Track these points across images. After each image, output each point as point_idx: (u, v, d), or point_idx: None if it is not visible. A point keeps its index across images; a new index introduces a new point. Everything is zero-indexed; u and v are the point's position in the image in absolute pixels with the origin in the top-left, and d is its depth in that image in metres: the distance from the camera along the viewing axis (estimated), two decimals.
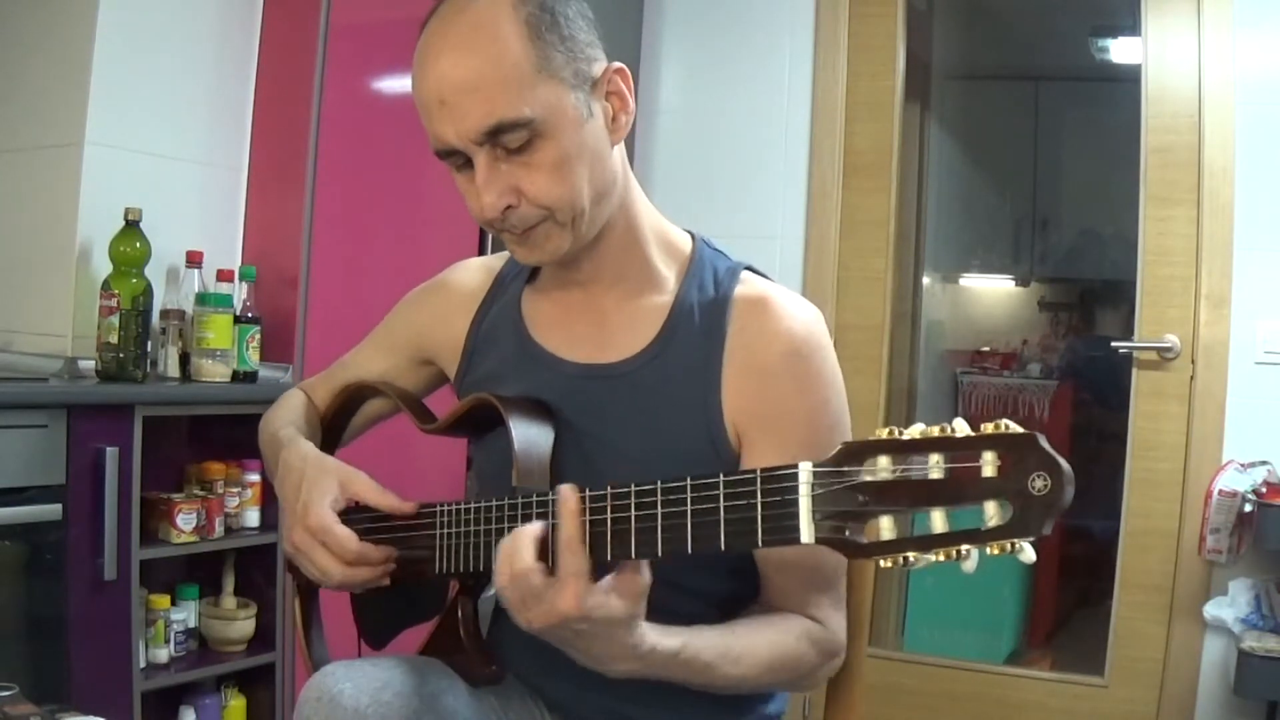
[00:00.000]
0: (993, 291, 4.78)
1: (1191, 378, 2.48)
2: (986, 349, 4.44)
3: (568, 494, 0.90)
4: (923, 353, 3.72)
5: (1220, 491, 2.32)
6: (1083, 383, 4.12)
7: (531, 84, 0.98)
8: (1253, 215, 2.43)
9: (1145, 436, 2.54)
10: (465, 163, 1.02)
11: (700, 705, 1.12)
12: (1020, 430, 0.70)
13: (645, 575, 0.89)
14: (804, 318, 1.09)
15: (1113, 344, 2.60)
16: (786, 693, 1.22)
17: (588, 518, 0.91)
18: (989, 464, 0.70)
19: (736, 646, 1.00)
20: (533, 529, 0.91)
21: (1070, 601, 3.79)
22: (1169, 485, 2.49)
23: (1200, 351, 2.47)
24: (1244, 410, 2.42)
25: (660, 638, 0.93)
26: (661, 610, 0.94)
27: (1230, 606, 2.29)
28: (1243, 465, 2.36)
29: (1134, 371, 2.56)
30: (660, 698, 1.11)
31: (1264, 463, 2.34)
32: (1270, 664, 2.14)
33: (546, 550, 0.91)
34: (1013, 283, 4.72)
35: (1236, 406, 2.43)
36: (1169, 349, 2.50)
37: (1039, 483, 0.69)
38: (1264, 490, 2.25)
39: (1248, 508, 2.27)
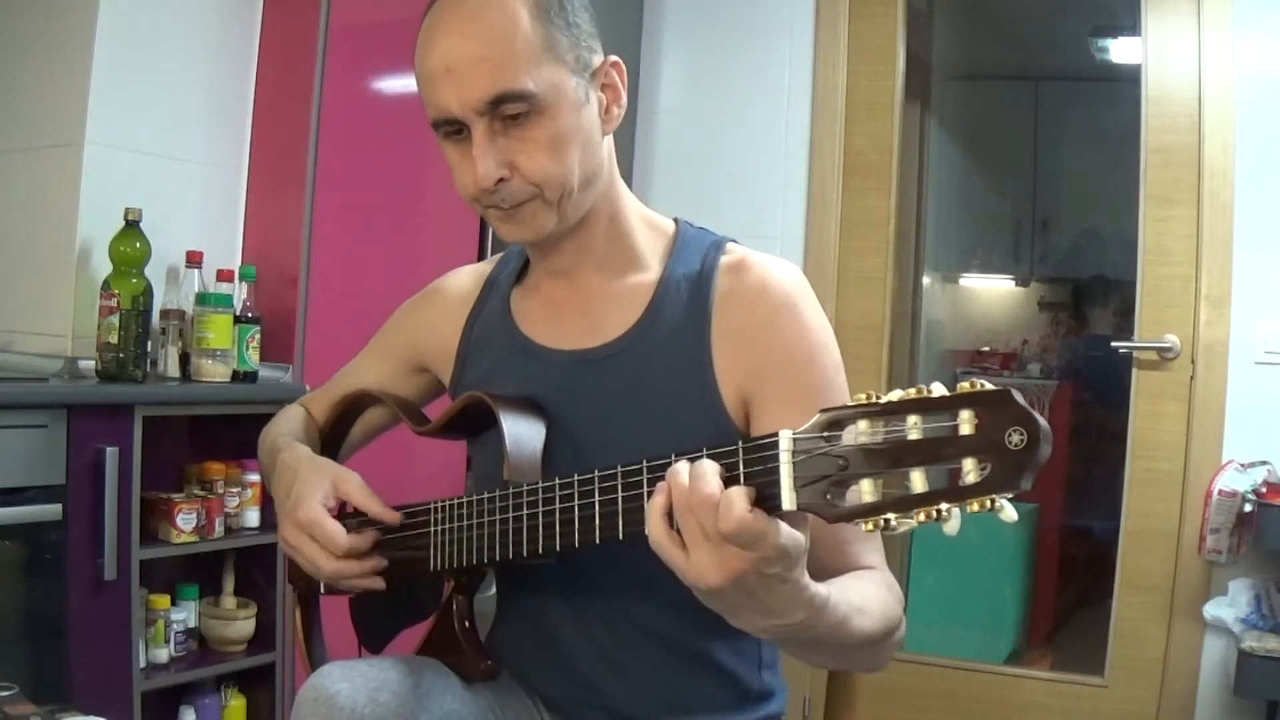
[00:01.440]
0: (993, 291, 4.78)
1: (1191, 378, 2.48)
2: (986, 349, 4.44)
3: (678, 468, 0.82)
4: (923, 353, 3.72)
5: (1220, 491, 2.32)
6: (1083, 383, 4.12)
7: (537, 61, 1.02)
8: (1253, 215, 2.43)
9: (1145, 436, 2.54)
10: (459, 131, 1.04)
11: (700, 704, 1.12)
12: (994, 388, 0.71)
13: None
14: (785, 274, 1.11)
15: (1113, 344, 2.60)
16: (786, 692, 1.22)
17: (576, 502, 0.92)
18: (966, 422, 0.70)
19: (854, 598, 0.92)
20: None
21: (1070, 601, 3.78)
22: (1169, 485, 2.49)
23: (1200, 351, 2.47)
24: (1244, 410, 2.42)
25: (811, 582, 0.85)
26: (658, 598, 0.93)
27: (1230, 606, 2.29)
28: (1243, 465, 2.36)
29: (1134, 371, 2.56)
30: (659, 697, 1.11)
31: (1264, 463, 2.34)
32: (1270, 664, 2.14)
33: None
34: (1012, 283, 4.72)
35: (1236, 406, 2.43)
36: (1169, 349, 2.50)
37: (1015, 438, 0.69)
38: (1264, 490, 2.25)
39: (1248, 508, 2.27)
